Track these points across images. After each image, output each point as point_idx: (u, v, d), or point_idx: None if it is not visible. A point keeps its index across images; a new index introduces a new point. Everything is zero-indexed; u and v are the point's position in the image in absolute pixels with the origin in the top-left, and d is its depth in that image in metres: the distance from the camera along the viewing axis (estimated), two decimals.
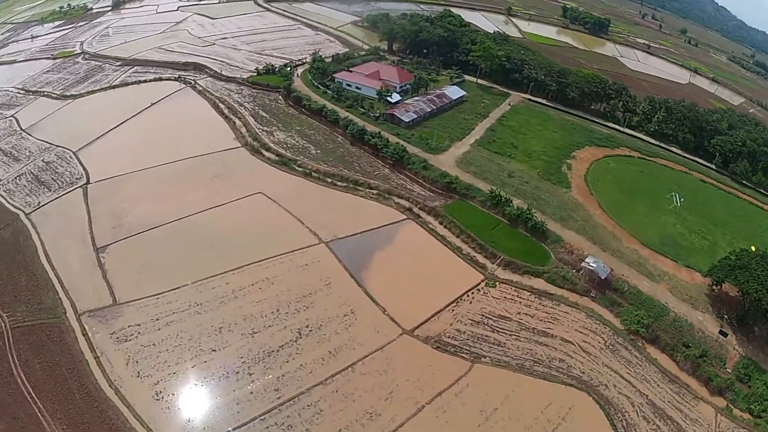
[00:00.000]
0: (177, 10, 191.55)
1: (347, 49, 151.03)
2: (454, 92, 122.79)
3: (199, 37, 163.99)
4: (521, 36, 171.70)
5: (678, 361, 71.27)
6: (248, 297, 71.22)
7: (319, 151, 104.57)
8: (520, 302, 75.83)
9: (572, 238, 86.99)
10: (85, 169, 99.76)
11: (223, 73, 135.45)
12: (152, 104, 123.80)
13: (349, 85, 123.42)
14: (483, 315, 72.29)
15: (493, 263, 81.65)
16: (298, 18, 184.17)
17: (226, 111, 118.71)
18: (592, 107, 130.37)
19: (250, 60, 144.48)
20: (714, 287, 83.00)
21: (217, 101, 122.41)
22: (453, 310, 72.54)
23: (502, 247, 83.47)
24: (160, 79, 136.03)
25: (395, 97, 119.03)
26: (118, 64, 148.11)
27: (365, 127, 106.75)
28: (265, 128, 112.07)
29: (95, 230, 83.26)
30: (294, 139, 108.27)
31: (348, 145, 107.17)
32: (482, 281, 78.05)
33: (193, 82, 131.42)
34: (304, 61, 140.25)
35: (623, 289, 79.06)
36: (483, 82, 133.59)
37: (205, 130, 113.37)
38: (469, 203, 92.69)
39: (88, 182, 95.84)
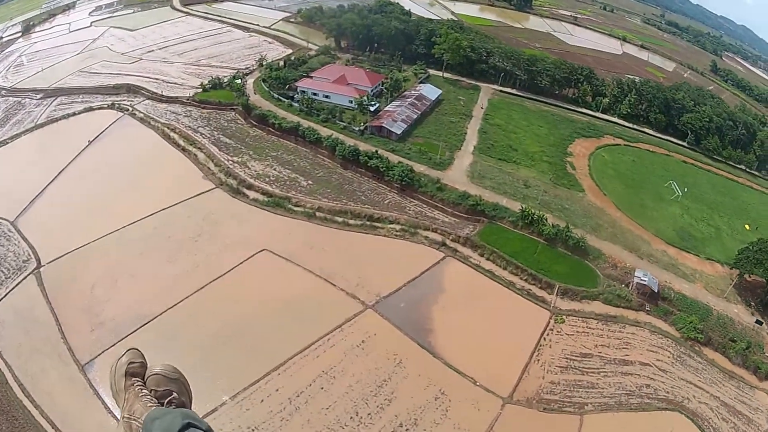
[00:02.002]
0: (90, 26, 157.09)
1: (291, 50, 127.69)
2: (430, 92, 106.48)
3: (122, 53, 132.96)
4: (455, 18, 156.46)
5: (730, 357, 68.85)
6: (313, 404, 53.33)
7: (310, 182, 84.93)
8: (592, 333, 67.32)
9: (610, 250, 78.86)
10: (30, 245, 73.26)
11: (162, 93, 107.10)
12: (90, 142, 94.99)
13: (315, 94, 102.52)
14: (567, 357, 62.91)
15: (550, 294, 71.02)
16: (225, 20, 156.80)
17: (180, 141, 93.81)
18: (561, 93, 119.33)
19: (188, 74, 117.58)
20: (741, 278, 79.45)
21: (166, 129, 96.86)
22: (538, 360, 62.17)
23: (552, 273, 73.00)
24: (91, 109, 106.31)
25: (374, 105, 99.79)
26: (39, 96, 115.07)
27: (357, 147, 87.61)
28: (236, 158, 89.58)
29: (71, 339, 59.56)
30: (275, 170, 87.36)
31: (340, 169, 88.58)
32: (550, 318, 67.47)
33: (130, 109, 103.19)
34: (251, 69, 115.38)
35: (671, 297, 73.56)
36: (449, 75, 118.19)
37: (164, 169, 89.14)
38: (500, 225, 79.98)
39: (39, 265, 69.80)
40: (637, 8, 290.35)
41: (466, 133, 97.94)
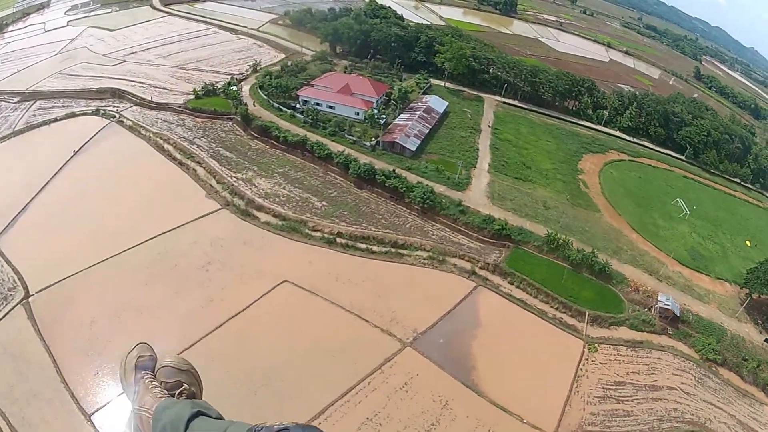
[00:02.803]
0: (67, 25, 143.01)
1: (283, 55, 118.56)
2: (438, 104, 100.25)
3: (103, 55, 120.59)
4: (444, 23, 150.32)
5: (743, 376, 68.37)
6: None
7: (325, 203, 77.49)
8: (623, 360, 64.92)
9: (632, 274, 76.00)
10: (15, 270, 63.37)
11: (153, 99, 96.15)
12: (75, 153, 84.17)
13: (318, 105, 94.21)
14: (603, 387, 60.19)
15: (581, 322, 67.76)
16: (210, 20, 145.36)
17: (176, 154, 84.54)
18: (562, 105, 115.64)
19: (176, 78, 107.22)
20: (750, 298, 79.12)
21: (159, 140, 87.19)
22: (577, 391, 59.20)
23: (581, 300, 69.68)
24: (74, 115, 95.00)
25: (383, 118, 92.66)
26: (16, 100, 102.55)
27: (373, 165, 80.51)
28: (240, 175, 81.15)
29: (73, 384, 50.88)
30: (284, 188, 79.53)
31: (354, 188, 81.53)
32: (584, 347, 64.37)
33: (117, 115, 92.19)
34: (246, 74, 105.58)
35: (689, 319, 72.09)
36: (451, 85, 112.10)
37: (161, 186, 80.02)
38: (525, 250, 75.43)
39: (27, 294, 60.28)
40: (615, 11, 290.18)
41: (478, 149, 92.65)
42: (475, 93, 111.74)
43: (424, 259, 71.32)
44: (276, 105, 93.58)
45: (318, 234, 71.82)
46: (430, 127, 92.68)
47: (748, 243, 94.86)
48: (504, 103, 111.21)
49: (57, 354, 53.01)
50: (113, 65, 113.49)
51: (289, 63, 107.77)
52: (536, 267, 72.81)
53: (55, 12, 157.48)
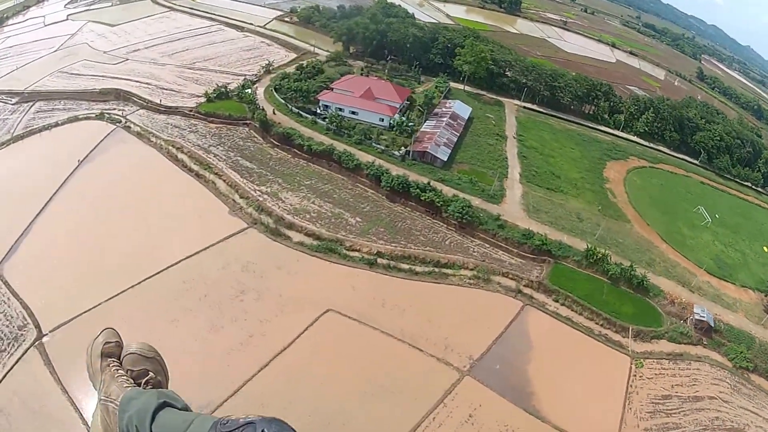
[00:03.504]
0: (66, 19, 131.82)
1: (294, 54, 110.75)
2: (462, 110, 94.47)
3: (105, 52, 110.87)
4: (453, 22, 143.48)
5: None
6: None
7: (359, 219, 71.34)
8: (666, 373, 63.00)
9: (666, 286, 73.07)
10: (24, 305, 55.51)
11: (161, 101, 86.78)
12: (80, 162, 75.09)
13: (340, 110, 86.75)
14: (652, 402, 58.23)
15: (625, 337, 65.33)
16: (214, 17, 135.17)
17: (192, 164, 76.74)
18: (579, 110, 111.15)
19: (183, 78, 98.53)
20: None
21: (172, 148, 79.25)
22: (630, 408, 56.80)
23: (623, 315, 67.08)
24: (77, 119, 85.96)
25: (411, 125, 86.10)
26: (14, 101, 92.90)
27: (407, 177, 74.20)
28: (264, 188, 73.95)
29: None
30: (314, 203, 72.78)
31: (386, 202, 75.57)
32: (631, 363, 61.88)
33: (123, 120, 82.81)
34: (258, 75, 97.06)
35: (721, 329, 70.51)
36: (470, 88, 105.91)
37: (179, 202, 72.47)
38: (565, 266, 71.34)
39: (41, 334, 52.61)
40: (613, 10, 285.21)
41: (507, 158, 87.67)
42: (494, 97, 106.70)
43: (469, 278, 66.62)
44: (295, 110, 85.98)
45: (356, 254, 65.67)
46: (458, 134, 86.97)
47: (765, 249, 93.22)
48: (524, 107, 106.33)
49: (84, 409, 45.77)
50: (115, 64, 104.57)
51: (304, 64, 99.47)
52: (578, 283, 69.34)
53: (55, 5, 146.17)
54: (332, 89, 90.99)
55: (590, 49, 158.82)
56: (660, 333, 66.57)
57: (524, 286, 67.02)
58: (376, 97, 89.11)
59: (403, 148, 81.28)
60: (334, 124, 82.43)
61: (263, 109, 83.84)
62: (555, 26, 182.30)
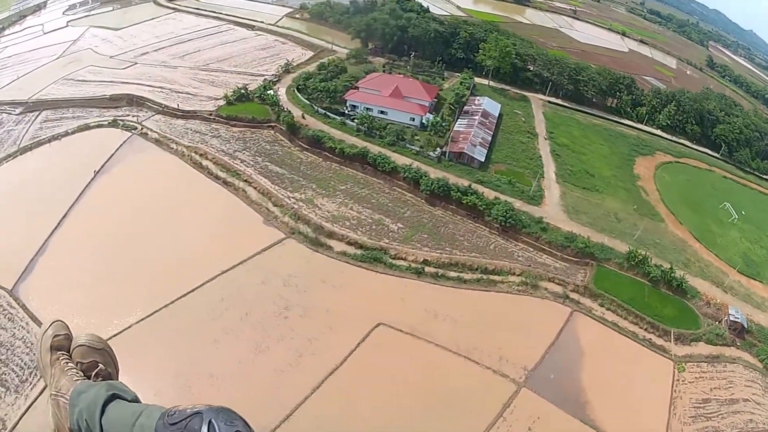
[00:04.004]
0: (67, 26, 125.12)
1: (311, 52, 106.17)
2: (492, 107, 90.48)
3: (111, 57, 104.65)
4: (465, 14, 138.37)
5: None
6: None
7: (400, 225, 67.38)
8: (705, 376, 60.96)
9: (701, 286, 70.99)
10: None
11: (179, 106, 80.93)
12: (96, 173, 69.62)
13: (369, 110, 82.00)
14: (694, 406, 56.37)
15: (667, 341, 63.08)
16: (221, 16, 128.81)
17: (218, 171, 71.92)
18: (602, 103, 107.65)
19: (199, 80, 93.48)
20: None
21: (195, 155, 74.37)
22: (675, 414, 54.94)
23: (664, 318, 64.96)
24: (88, 127, 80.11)
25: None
26: (18, 110, 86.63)
27: (447, 179, 70.22)
28: (298, 195, 69.41)
29: None
30: (352, 209, 68.67)
31: (426, 206, 71.71)
32: (674, 368, 59.68)
33: (139, 126, 77.50)
34: (278, 75, 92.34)
35: (752, 329, 68.39)
36: (494, 84, 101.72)
37: (208, 212, 68.19)
38: (607, 268, 68.39)
39: None
40: None
41: (541, 157, 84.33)
42: (519, 92, 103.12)
43: (517, 285, 63.62)
44: (322, 111, 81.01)
45: (402, 263, 61.86)
46: (492, 133, 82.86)
47: None
48: (549, 102, 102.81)
49: None
50: (124, 68, 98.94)
51: (325, 62, 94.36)
52: (621, 286, 66.71)
53: (53, 12, 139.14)
54: (358, 88, 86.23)
55: (602, 39, 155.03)
56: (698, 335, 64.80)
57: (571, 291, 64.35)
58: (404, 96, 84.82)
59: (438, 149, 77.14)
60: (365, 125, 77.99)
61: (289, 111, 78.95)
62: (565, 15, 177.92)
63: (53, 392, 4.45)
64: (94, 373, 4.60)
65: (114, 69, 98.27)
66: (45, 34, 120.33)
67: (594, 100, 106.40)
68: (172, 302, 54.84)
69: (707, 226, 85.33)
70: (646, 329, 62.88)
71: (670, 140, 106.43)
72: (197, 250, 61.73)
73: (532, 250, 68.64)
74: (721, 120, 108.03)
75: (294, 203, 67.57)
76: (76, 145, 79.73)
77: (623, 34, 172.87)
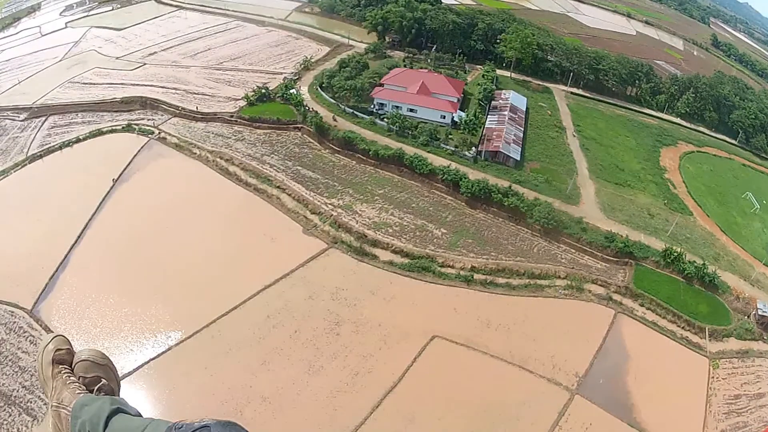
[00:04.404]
0: (65, 27, 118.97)
1: (327, 48, 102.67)
2: (519, 101, 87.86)
3: (117, 58, 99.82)
4: (475, 2, 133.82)
5: None
6: None
7: (444, 230, 65.42)
8: (736, 372, 60.55)
9: (730, 280, 70.21)
10: None
11: (198, 108, 76.43)
12: (115, 182, 65.27)
13: (397, 107, 78.45)
14: (727, 403, 56.02)
15: (702, 338, 62.58)
16: (228, 12, 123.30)
17: (248, 177, 69.03)
18: (622, 92, 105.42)
19: (214, 80, 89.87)
20: None
21: (220, 160, 71.30)
22: (710, 411, 54.00)
23: (699, 315, 64.38)
24: (101, 132, 75.63)
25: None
26: (23, 116, 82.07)
27: (487, 181, 68.01)
28: (335, 201, 66.90)
29: None
30: (393, 215, 66.31)
31: (467, 209, 69.95)
32: (709, 365, 59.18)
33: (156, 131, 73.06)
34: (297, 72, 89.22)
35: None
36: (516, 75, 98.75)
37: (242, 222, 66.10)
38: (645, 267, 67.35)
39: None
40: None
41: (572, 152, 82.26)
42: (541, 83, 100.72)
43: (563, 288, 62.35)
44: (349, 110, 77.19)
45: (450, 271, 59.97)
46: (523, 129, 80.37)
47: None
48: (572, 93, 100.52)
49: None
50: (132, 69, 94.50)
51: (345, 58, 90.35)
52: (658, 284, 65.92)
53: (49, 14, 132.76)
54: (383, 85, 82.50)
55: (609, 22, 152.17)
56: (729, 331, 64.21)
57: (613, 292, 63.40)
58: (432, 93, 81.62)
59: (473, 148, 74.33)
60: (396, 124, 74.85)
61: (316, 112, 75.29)
62: None
63: (54, 404, 4.43)
64: (96, 388, 4.57)
65: (122, 70, 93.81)
66: (43, 36, 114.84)
67: (613, 89, 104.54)
68: (213, 321, 52.48)
69: (732, 218, 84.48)
70: (683, 327, 62.41)
71: (690, 128, 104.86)
72: (234, 263, 59.03)
73: (573, 251, 67.33)
74: (736, 105, 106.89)
75: (332, 210, 64.88)
76: (89, 152, 75.95)
77: (628, 15, 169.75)
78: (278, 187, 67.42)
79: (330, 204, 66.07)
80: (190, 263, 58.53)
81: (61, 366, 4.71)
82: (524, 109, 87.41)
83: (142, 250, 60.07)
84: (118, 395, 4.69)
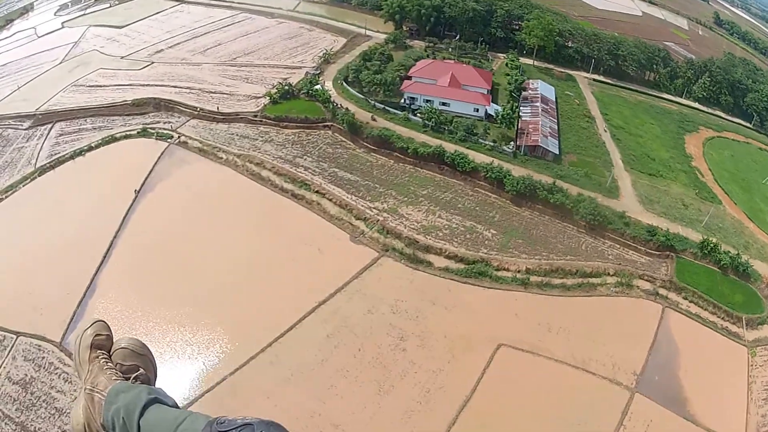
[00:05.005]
0: (62, 27, 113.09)
1: (343, 39, 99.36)
2: (547, 91, 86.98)
3: (122, 57, 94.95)
4: None
5: None
6: None
7: (493, 231, 64.44)
8: None
9: (761, 268, 70.72)
10: None
11: (218, 108, 72.18)
12: (137, 193, 61.11)
13: (428, 101, 75.74)
14: (765, 389, 56.44)
15: (740, 327, 63.37)
16: (233, 4, 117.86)
17: (283, 183, 65.73)
18: (640, 78, 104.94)
19: (230, 77, 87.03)
20: None
21: (251, 164, 68.51)
22: (752, 399, 54.50)
23: (736, 304, 65.28)
24: (114, 139, 70.87)
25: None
26: (27, 125, 77.52)
27: (532, 177, 67.62)
28: (379, 205, 65.16)
29: None
30: (441, 217, 64.98)
31: (512, 207, 69.30)
32: (748, 354, 59.83)
33: (175, 135, 68.96)
34: (319, 66, 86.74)
35: None
36: (539, 63, 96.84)
37: (285, 232, 63.45)
38: (684, 259, 67.76)
39: None
40: None
41: (604, 143, 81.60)
42: (564, 71, 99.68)
43: (614, 286, 62.68)
44: (379, 105, 74.28)
45: (506, 274, 59.37)
46: (556, 121, 78.99)
47: None
48: (594, 80, 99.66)
49: None
50: (140, 69, 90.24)
51: (368, 50, 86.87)
52: (698, 276, 66.66)
53: (43, 14, 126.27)
54: (410, 78, 79.77)
55: (615, 3, 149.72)
56: (763, 318, 64.79)
57: (659, 287, 63.95)
58: (462, 85, 79.56)
59: (511, 142, 72.84)
60: (432, 120, 72.44)
61: (347, 109, 72.07)
62: None
63: (88, 387, 4.42)
64: (133, 377, 4.51)
65: (129, 70, 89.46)
66: (40, 37, 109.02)
67: (632, 74, 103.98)
68: (270, 345, 50.40)
69: (757, 205, 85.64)
70: (722, 318, 63.22)
71: (708, 113, 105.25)
72: (282, 279, 56.91)
73: (618, 246, 67.73)
74: (750, 89, 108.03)
75: (378, 215, 63.01)
76: (105, 160, 72.26)
77: None
78: (317, 191, 65.28)
79: (374, 208, 64.28)
80: (233, 281, 56.09)
81: (99, 351, 4.69)
82: (554, 99, 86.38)
83: (176, 269, 57.20)
84: (154, 385, 4.65)
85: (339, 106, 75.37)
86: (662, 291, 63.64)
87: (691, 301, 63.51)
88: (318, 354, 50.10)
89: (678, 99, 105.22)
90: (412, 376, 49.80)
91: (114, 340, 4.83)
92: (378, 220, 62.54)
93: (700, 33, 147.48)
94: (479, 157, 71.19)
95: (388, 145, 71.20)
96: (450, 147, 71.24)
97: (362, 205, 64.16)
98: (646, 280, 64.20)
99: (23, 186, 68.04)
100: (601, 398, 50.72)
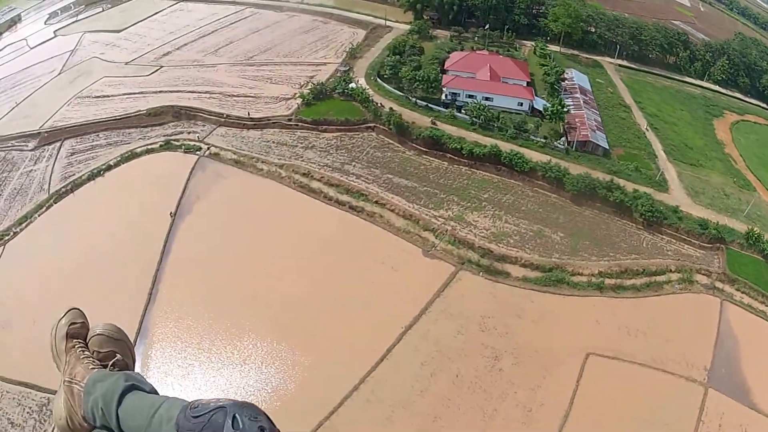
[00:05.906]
0: (55, 36, 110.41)
1: (363, 30, 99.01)
2: (582, 80, 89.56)
3: (126, 63, 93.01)
4: None
5: None
6: None
7: (561, 234, 67.68)
8: None
9: None
10: None
11: (249, 114, 70.45)
12: (173, 216, 59.37)
13: (471, 96, 76.36)
14: None
15: None
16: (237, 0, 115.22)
17: (337, 194, 65.18)
18: (663, 62, 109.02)
19: (251, 78, 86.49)
20: None
21: (297, 175, 66.82)
22: None
23: None
24: (135, 155, 67.48)
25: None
26: (32, 145, 74.79)
27: (590, 175, 71.10)
28: (443, 212, 67.60)
29: None
30: (508, 222, 67.55)
31: (572, 206, 72.12)
32: None
33: (204, 146, 66.45)
34: (347, 63, 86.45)
35: None
36: (565, 50, 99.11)
37: (348, 249, 61.81)
38: (733, 251, 71.93)
39: None
40: None
41: (644, 133, 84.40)
42: (590, 57, 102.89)
43: (677, 282, 66.64)
44: (421, 102, 74.28)
45: (582, 279, 62.41)
46: (598, 112, 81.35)
47: None
48: (620, 66, 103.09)
49: None
50: (149, 74, 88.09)
51: (396, 43, 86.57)
52: (747, 267, 70.69)
53: (33, 24, 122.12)
54: (447, 71, 79.86)
55: None
56: None
57: (716, 280, 68.09)
58: (501, 77, 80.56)
59: (562, 138, 74.63)
60: (480, 117, 73.12)
61: (391, 109, 72.02)
62: None
63: (67, 379, 4.56)
64: (111, 363, 4.68)
65: (136, 77, 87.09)
66: (32, 48, 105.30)
67: (653, 58, 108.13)
68: (362, 381, 50.10)
69: None
70: None
71: (729, 95, 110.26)
72: (359, 303, 56.45)
73: (675, 241, 71.59)
74: (765, 70, 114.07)
75: (445, 224, 63.56)
76: (128, 179, 69.48)
77: None
78: (377, 202, 65.63)
79: (440, 217, 65.55)
80: (303, 310, 55.40)
81: (75, 340, 4.82)
82: (590, 89, 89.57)
83: (236, 301, 55.87)
84: (133, 370, 4.82)
85: (380, 105, 75.95)
86: (718, 284, 67.69)
87: (743, 293, 67.24)
88: (415, 385, 50.51)
89: (699, 82, 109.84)
90: (513, 397, 51.65)
91: (90, 328, 5.01)
92: (447, 230, 63.96)
93: (702, 9, 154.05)
94: (535, 156, 73.28)
95: (440, 146, 72.26)
96: (505, 146, 72.91)
97: (427, 215, 65.45)
98: (703, 274, 68.22)
99: (39, 216, 65.25)
100: (680, 397, 54.19)
